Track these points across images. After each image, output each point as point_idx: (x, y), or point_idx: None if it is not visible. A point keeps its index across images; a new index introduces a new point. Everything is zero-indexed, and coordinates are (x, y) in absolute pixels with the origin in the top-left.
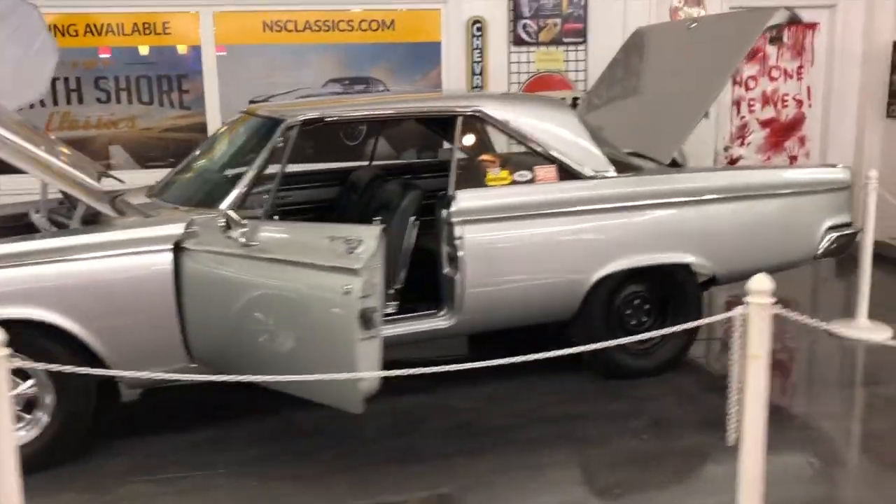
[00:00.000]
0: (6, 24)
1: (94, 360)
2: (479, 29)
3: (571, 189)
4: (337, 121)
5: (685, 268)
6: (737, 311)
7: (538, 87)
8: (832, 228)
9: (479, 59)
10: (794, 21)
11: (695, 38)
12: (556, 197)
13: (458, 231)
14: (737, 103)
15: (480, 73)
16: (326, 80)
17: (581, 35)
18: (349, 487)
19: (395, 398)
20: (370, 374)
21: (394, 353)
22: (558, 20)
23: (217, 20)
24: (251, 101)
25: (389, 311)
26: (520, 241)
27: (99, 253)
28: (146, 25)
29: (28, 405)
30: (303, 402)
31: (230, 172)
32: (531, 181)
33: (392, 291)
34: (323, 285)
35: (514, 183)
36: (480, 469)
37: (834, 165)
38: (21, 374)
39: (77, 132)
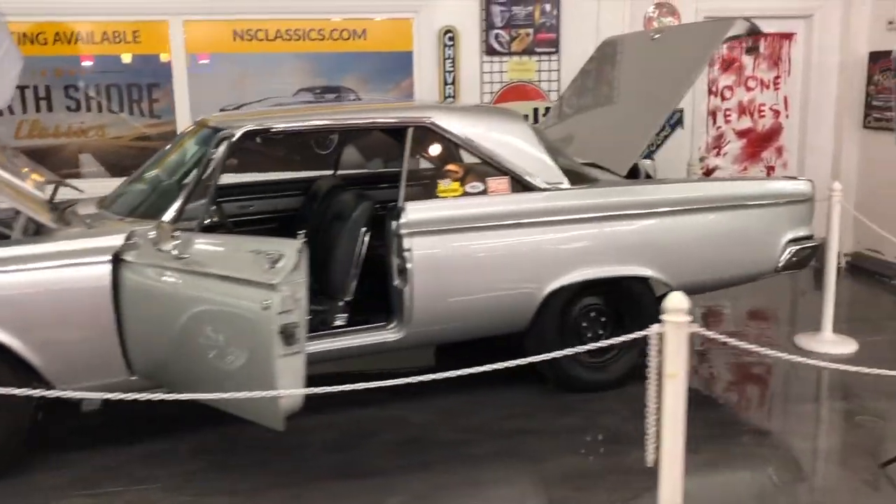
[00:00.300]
0: None
1: (33, 372)
2: (451, 39)
3: (523, 201)
4: (282, 132)
5: (642, 281)
6: (653, 330)
7: (511, 97)
8: (793, 241)
9: (452, 69)
10: (753, 32)
11: (658, 49)
12: (506, 209)
13: (406, 243)
14: (713, 113)
15: (453, 83)
16: (298, 90)
17: (554, 45)
18: (281, 503)
19: (349, 410)
20: (288, 392)
21: (349, 364)
22: (531, 30)
23: (187, 28)
24: (221, 110)
25: (338, 323)
26: (470, 253)
27: (36, 264)
28: (116, 34)
29: None
30: None
31: (177, 183)
32: (483, 193)
33: (342, 304)
34: (244, 300)
35: (465, 195)
36: (421, 486)
37: (795, 178)
38: None
39: (47, 140)
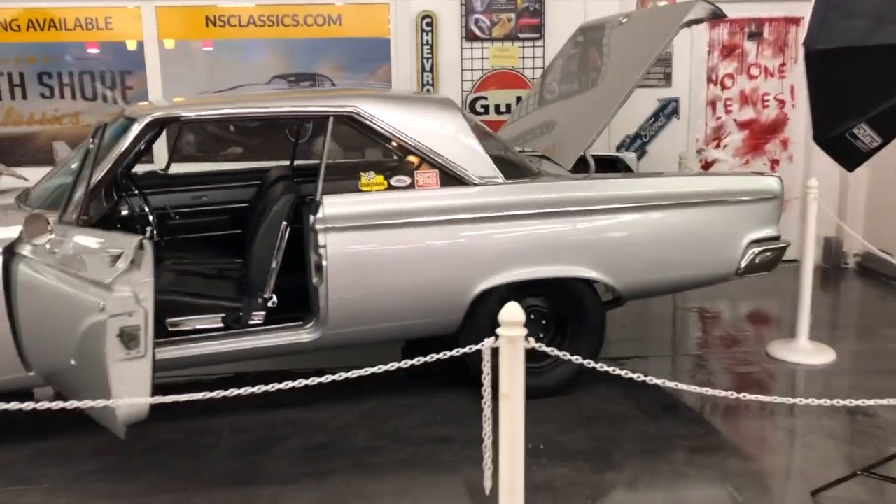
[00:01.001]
0: None
1: None
2: (428, 24)
3: (451, 196)
4: (192, 121)
5: (585, 283)
6: (485, 344)
7: (493, 85)
8: (756, 242)
9: (430, 56)
10: (716, 16)
11: (623, 35)
12: (433, 204)
13: (321, 239)
14: (712, 103)
15: (431, 70)
16: (271, 77)
17: (538, 30)
18: None
19: (268, 412)
20: (127, 401)
21: (283, 361)
22: (513, 15)
23: (159, 14)
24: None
25: (254, 321)
26: (391, 250)
27: None
28: (89, 20)
29: None
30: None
31: (86, 175)
32: (410, 186)
33: (260, 301)
34: (87, 300)
35: (390, 188)
36: (311, 496)
37: (761, 173)
38: None
39: (21, 128)
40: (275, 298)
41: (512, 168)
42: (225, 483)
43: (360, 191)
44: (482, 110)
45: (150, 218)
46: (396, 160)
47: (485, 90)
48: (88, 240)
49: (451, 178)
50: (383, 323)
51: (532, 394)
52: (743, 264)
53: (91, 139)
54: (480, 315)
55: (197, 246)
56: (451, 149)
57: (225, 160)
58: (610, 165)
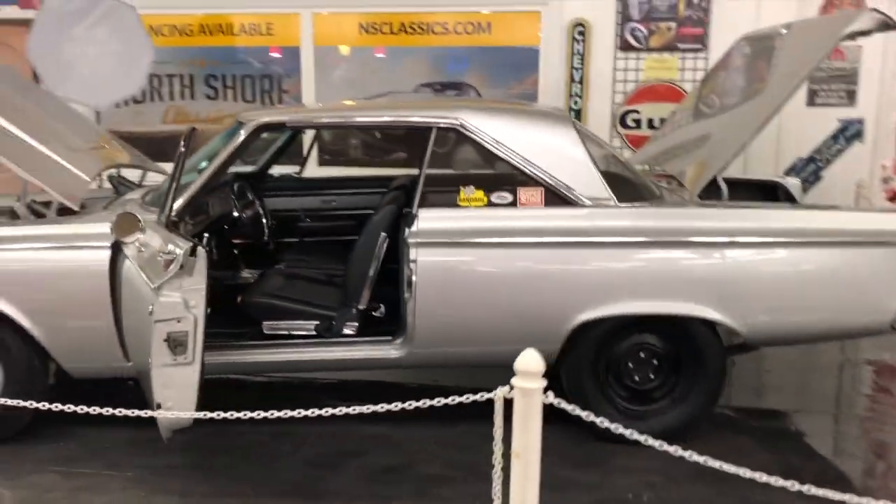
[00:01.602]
0: (106, 23)
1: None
2: (580, 33)
3: (555, 217)
4: (297, 126)
5: (704, 324)
6: (497, 393)
7: (647, 98)
8: None
9: (580, 66)
10: (887, 27)
11: (781, 47)
12: (533, 225)
13: (413, 253)
14: None
15: (581, 81)
16: (417, 85)
17: (701, 41)
18: None
19: (355, 424)
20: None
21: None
22: (673, 24)
23: (316, 21)
24: None
25: (347, 332)
26: (485, 270)
27: (41, 244)
28: (252, 26)
29: None
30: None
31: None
32: (512, 204)
33: (354, 311)
34: (147, 302)
35: (490, 205)
36: None
37: None
38: None
39: (185, 126)
40: (382, 309)
41: (630, 190)
42: (287, 494)
43: (458, 206)
44: (633, 124)
45: (265, 221)
46: (500, 175)
47: (637, 103)
48: (158, 242)
49: (557, 197)
50: (471, 347)
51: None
52: None
53: (182, 143)
54: (582, 348)
55: (322, 250)
56: (560, 166)
57: (375, 166)
58: (769, 192)
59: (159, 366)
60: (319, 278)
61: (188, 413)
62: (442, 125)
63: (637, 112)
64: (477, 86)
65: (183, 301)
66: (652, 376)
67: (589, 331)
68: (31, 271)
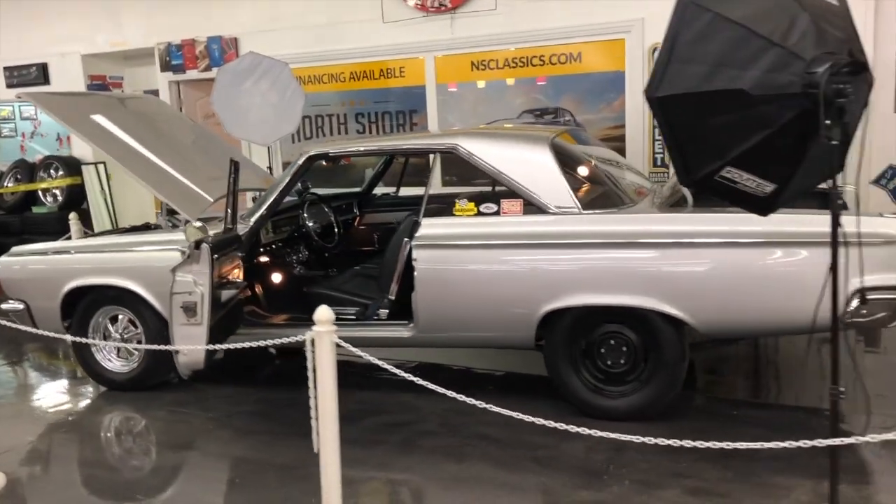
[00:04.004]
0: (268, 78)
1: None
2: None
3: (528, 223)
4: (338, 155)
5: (663, 317)
6: (307, 336)
7: None
8: (866, 290)
9: None
10: None
11: None
12: (508, 229)
13: (415, 254)
14: None
15: None
16: (521, 112)
17: None
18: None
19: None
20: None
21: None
22: None
23: (437, 63)
24: None
25: (379, 315)
26: (470, 268)
27: (156, 247)
28: (389, 70)
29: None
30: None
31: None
32: (496, 213)
33: (386, 300)
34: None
35: (479, 214)
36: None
37: (881, 214)
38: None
39: None
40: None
41: (600, 198)
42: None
43: (454, 215)
44: None
45: (336, 230)
46: (489, 189)
47: None
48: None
49: (532, 206)
50: (463, 331)
51: (603, 415)
52: (847, 315)
53: (230, 171)
54: (557, 334)
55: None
56: (534, 180)
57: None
58: (821, 199)
59: (178, 325)
60: (371, 275)
61: (199, 357)
62: (441, 149)
63: None
64: (571, 110)
65: (193, 280)
66: (622, 361)
67: (558, 320)
68: (152, 264)
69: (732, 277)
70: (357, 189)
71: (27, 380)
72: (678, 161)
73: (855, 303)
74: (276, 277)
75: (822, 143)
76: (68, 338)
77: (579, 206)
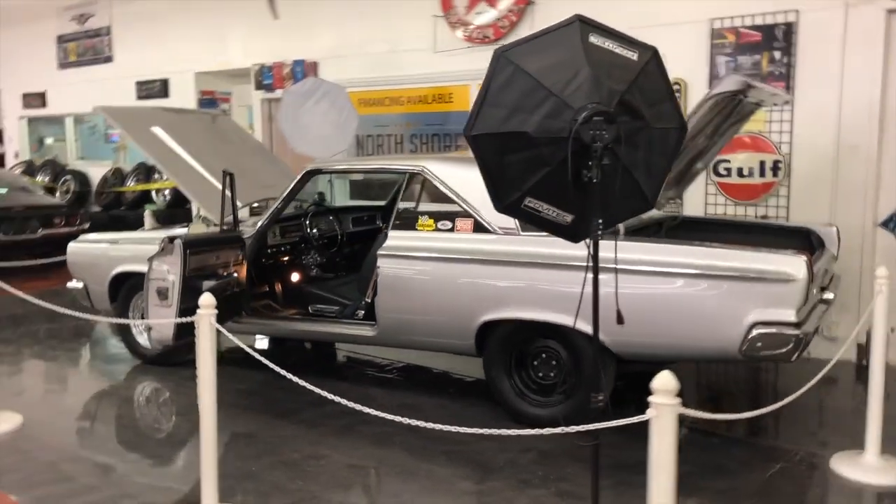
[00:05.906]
0: (326, 100)
1: None
2: (678, 90)
3: (472, 241)
4: (330, 172)
5: (586, 336)
6: (196, 318)
7: (737, 148)
8: (762, 325)
9: None
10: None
11: None
12: (454, 245)
13: (379, 262)
14: None
15: None
16: None
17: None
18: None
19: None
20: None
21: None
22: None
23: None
24: None
25: (358, 314)
26: (420, 278)
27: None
28: (439, 96)
29: None
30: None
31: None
32: (451, 230)
33: (363, 302)
34: None
35: (436, 230)
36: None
37: (784, 252)
38: None
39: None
40: None
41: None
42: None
43: (416, 229)
44: (725, 172)
45: (339, 238)
46: (448, 208)
47: (729, 153)
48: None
49: (480, 226)
50: (416, 335)
51: (528, 422)
52: (745, 346)
53: (223, 182)
54: (494, 345)
55: None
56: (485, 203)
57: None
58: (804, 238)
59: (152, 305)
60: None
61: (167, 333)
62: (411, 170)
63: (728, 161)
64: None
65: (167, 269)
66: (552, 374)
67: (494, 331)
68: None
69: (643, 304)
70: (381, 203)
71: (83, 357)
72: (490, 190)
73: (751, 336)
74: (288, 277)
75: (596, 180)
76: (98, 318)
77: (519, 228)
